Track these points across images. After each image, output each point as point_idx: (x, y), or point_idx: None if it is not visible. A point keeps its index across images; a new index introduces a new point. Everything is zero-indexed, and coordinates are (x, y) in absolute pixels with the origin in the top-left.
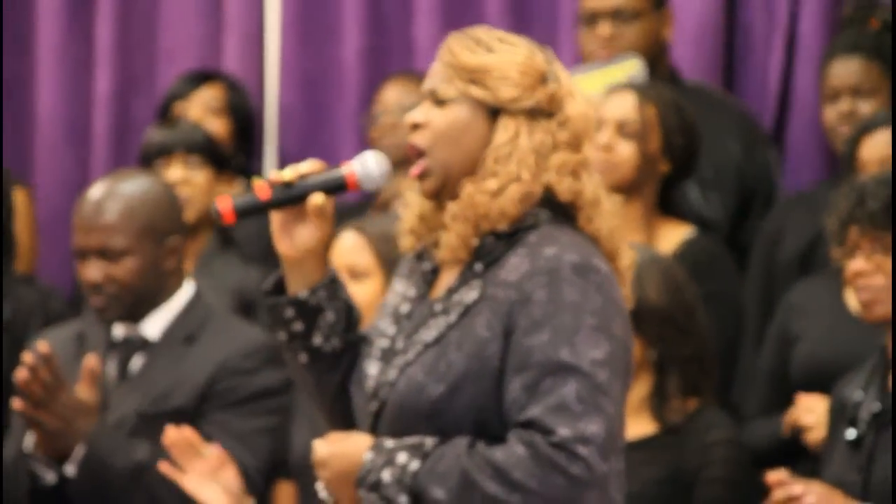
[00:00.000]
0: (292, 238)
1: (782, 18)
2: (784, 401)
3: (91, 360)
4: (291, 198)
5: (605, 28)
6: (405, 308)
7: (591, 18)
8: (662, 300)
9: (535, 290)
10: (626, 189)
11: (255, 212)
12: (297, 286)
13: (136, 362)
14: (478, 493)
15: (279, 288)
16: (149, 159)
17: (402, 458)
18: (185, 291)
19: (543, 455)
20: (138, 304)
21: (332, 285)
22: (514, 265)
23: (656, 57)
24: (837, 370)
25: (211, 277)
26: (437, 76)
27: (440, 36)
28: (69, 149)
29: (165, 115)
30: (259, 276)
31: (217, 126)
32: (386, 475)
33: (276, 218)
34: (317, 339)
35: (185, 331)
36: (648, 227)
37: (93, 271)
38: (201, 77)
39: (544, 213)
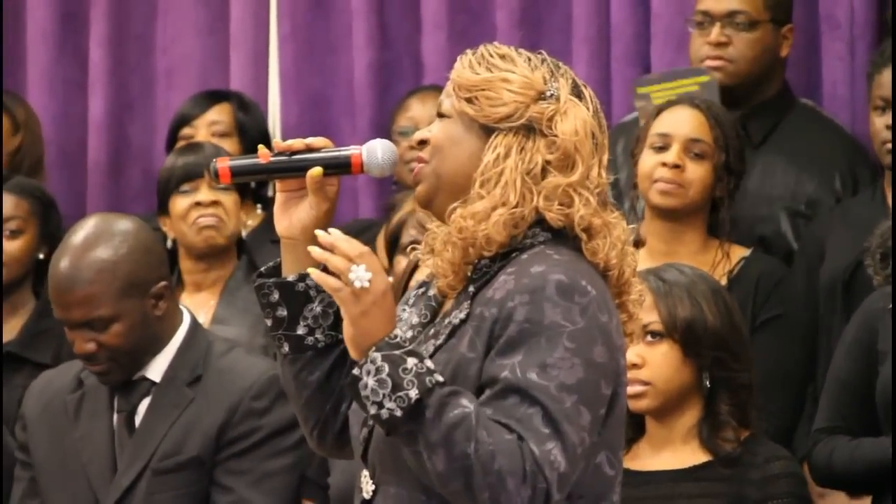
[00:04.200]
0: (291, 216)
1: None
2: (861, 414)
3: None
4: (291, 167)
5: (716, 32)
6: (409, 335)
7: (704, 20)
8: (719, 323)
9: (517, 308)
10: (689, 211)
11: (251, 174)
12: (290, 271)
13: (143, 407)
14: (460, 448)
15: (275, 273)
16: (174, 185)
17: (430, 363)
18: (182, 327)
19: (530, 462)
20: (137, 358)
21: None
22: (501, 283)
23: (768, 73)
24: None
25: (238, 305)
26: (443, 93)
27: (448, 50)
28: (63, 174)
29: (173, 139)
30: None
31: (225, 149)
32: (411, 362)
33: (279, 196)
34: (300, 329)
35: (187, 370)
36: (705, 249)
37: (83, 343)
38: (209, 98)
39: (543, 235)
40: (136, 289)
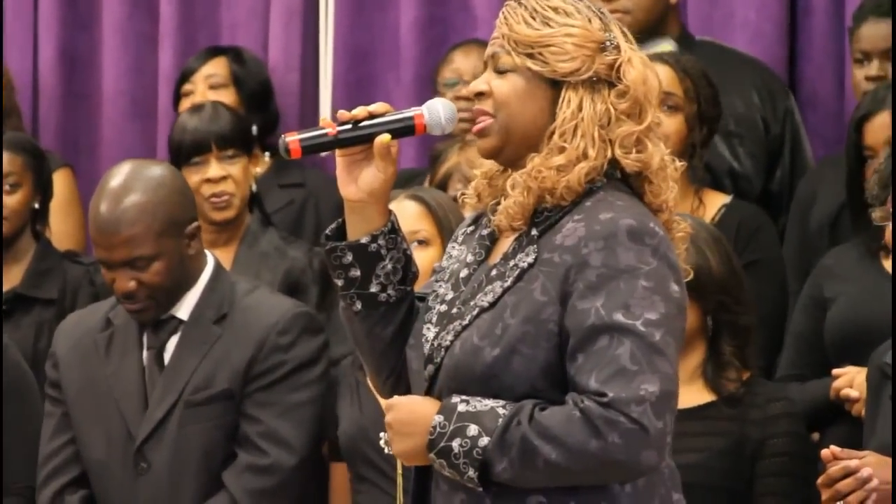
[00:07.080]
0: (356, 180)
1: None
2: (812, 362)
3: None
4: (359, 136)
5: None
6: (464, 273)
7: None
8: (720, 269)
9: (591, 254)
10: None
11: (322, 148)
12: (358, 232)
13: (171, 344)
14: (539, 460)
15: (340, 234)
16: (183, 158)
17: (472, 430)
18: (207, 268)
19: (598, 416)
20: (173, 296)
21: (393, 234)
22: (570, 230)
23: (662, 17)
24: (872, 332)
25: (254, 259)
26: (496, 46)
27: (501, 4)
28: (134, 124)
29: (176, 95)
30: (301, 255)
31: (221, 100)
32: (455, 445)
33: (340, 161)
34: (373, 287)
35: (213, 309)
36: (683, 197)
37: (124, 282)
38: (206, 53)
39: (599, 179)
40: (174, 228)
